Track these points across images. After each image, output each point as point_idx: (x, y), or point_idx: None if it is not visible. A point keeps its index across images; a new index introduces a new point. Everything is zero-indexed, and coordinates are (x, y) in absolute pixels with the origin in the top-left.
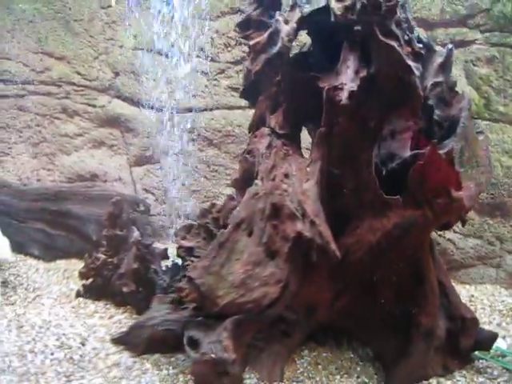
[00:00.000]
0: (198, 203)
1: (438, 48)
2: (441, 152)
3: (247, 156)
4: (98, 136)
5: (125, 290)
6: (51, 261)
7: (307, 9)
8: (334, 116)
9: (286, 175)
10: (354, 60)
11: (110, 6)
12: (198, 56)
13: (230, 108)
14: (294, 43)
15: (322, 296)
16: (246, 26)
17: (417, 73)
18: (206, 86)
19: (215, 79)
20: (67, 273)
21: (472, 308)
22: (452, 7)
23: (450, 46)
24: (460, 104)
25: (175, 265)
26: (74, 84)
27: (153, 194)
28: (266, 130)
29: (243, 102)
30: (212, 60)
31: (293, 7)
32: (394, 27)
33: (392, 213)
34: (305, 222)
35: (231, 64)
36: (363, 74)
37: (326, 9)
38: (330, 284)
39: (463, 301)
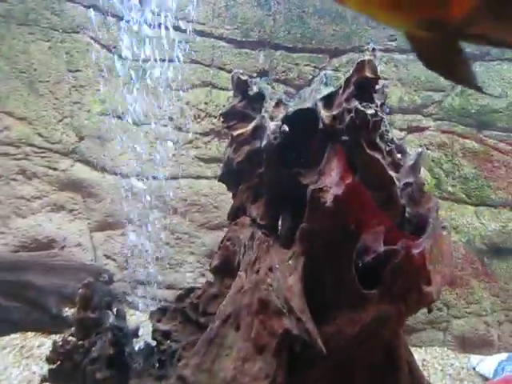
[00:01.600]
0: (161, 270)
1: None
2: (414, 251)
3: (228, 244)
4: (57, 199)
5: (98, 375)
6: (5, 335)
7: (291, 107)
8: (317, 215)
9: (270, 269)
10: (339, 164)
11: (78, 71)
12: (166, 125)
13: (197, 178)
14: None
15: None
16: (230, 117)
17: (397, 183)
18: (173, 155)
19: (183, 149)
20: (25, 351)
21: (425, 373)
22: (409, 97)
23: (419, 149)
24: (428, 204)
25: (148, 346)
26: (34, 145)
27: (114, 260)
28: (247, 220)
29: (209, 172)
30: (181, 130)
31: (277, 104)
32: (378, 140)
33: (370, 306)
34: (291, 319)
35: (200, 135)
36: (349, 180)
37: (311, 111)
38: (311, 372)
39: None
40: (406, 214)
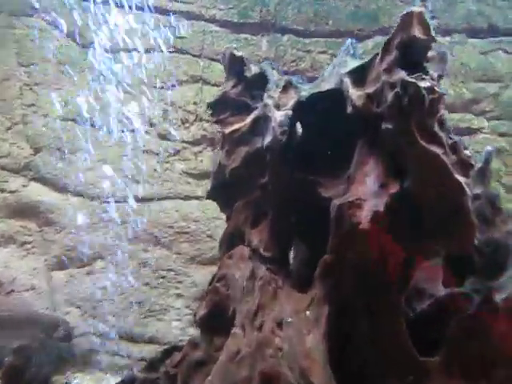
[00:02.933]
0: (139, 319)
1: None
2: (498, 298)
3: (218, 285)
4: (5, 230)
5: None
6: None
7: (305, 91)
8: (347, 241)
9: (279, 323)
10: (377, 166)
11: (32, 64)
12: (146, 132)
13: (185, 198)
14: None
15: None
16: (221, 107)
17: (468, 191)
18: (155, 170)
19: (167, 162)
20: None
21: None
22: (455, 90)
23: (489, 148)
24: (507, 225)
25: None
26: None
27: (78, 307)
28: (245, 251)
29: (200, 191)
30: (164, 138)
31: (286, 88)
32: (436, 128)
33: (430, 382)
34: None
35: (188, 144)
36: (395, 188)
37: (333, 94)
38: None
39: None
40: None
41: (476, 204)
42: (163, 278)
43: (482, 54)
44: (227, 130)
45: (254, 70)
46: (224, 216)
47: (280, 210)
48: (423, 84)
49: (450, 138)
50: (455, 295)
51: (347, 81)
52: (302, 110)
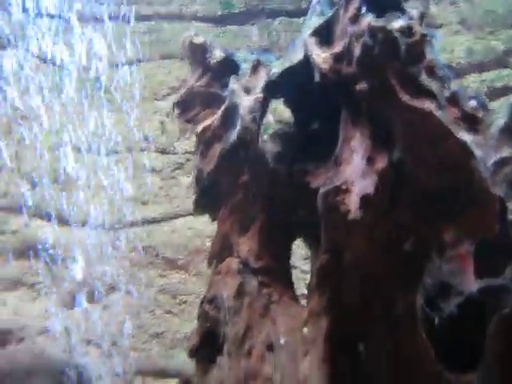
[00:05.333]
0: (163, 351)
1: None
2: None
3: (207, 308)
4: (11, 274)
5: None
6: None
7: (277, 68)
8: (341, 237)
9: (270, 346)
10: (363, 139)
11: None
12: (142, 150)
13: None
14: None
15: None
16: (190, 104)
17: (478, 153)
18: (160, 188)
19: (172, 177)
20: None
21: None
22: (483, 43)
23: None
24: None
25: None
26: None
27: (97, 345)
28: (234, 264)
29: None
30: (164, 152)
31: (256, 68)
32: (424, 77)
33: None
34: None
35: (191, 155)
36: (382, 163)
37: (304, 64)
38: None
39: None
40: (511, 216)
41: (505, 170)
42: (184, 303)
43: None
44: (198, 129)
45: (218, 54)
46: None
47: (269, 212)
48: (395, 25)
49: (448, 89)
50: (492, 289)
51: (311, 43)
52: (274, 90)
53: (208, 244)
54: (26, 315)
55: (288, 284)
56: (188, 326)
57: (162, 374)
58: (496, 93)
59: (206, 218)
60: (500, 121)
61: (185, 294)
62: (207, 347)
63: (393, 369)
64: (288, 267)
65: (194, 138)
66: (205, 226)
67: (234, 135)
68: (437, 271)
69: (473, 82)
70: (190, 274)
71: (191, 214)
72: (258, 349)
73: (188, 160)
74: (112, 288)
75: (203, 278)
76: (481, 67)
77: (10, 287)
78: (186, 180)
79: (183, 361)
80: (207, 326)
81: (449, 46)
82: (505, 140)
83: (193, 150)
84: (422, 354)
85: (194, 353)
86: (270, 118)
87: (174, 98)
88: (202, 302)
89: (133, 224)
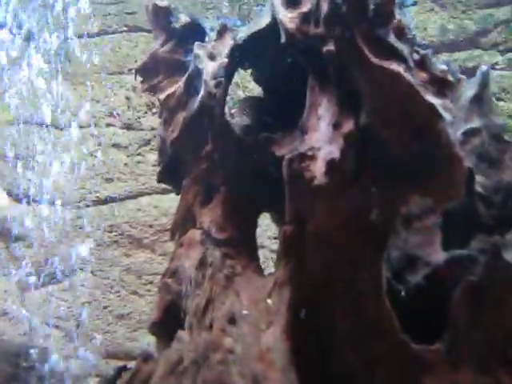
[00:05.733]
0: (129, 333)
1: None
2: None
3: (169, 281)
4: None
5: None
6: None
7: (243, 33)
8: (305, 205)
9: (232, 318)
10: (330, 105)
11: None
12: (109, 124)
13: (164, 192)
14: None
15: None
16: (153, 71)
17: (446, 116)
18: (125, 165)
19: (138, 154)
20: None
21: None
22: (456, 23)
23: (483, 67)
24: None
25: None
26: None
27: (58, 327)
28: (197, 235)
29: None
30: (130, 128)
31: (221, 33)
32: (392, 39)
33: (430, 378)
34: None
35: None
36: (348, 127)
37: (272, 27)
38: None
39: None
40: (478, 188)
41: (475, 141)
42: (151, 283)
43: None
44: (161, 97)
45: (183, 19)
46: None
47: (233, 182)
48: None
49: (417, 52)
50: (457, 260)
51: (278, 3)
52: (240, 56)
53: None
54: None
55: (253, 257)
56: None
57: (127, 356)
58: (467, 73)
59: (172, 196)
60: (470, 90)
61: (151, 273)
62: (169, 322)
63: (356, 340)
64: (253, 240)
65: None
66: (171, 204)
67: (197, 101)
68: (403, 244)
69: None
70: (156, 254)
71: (157, 193)
72: (220, 321)
73: (155, 136)
74: (75, 268)
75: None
76: (453, 46)
77: None
78: (153, 157)
79: (148, 343)
80: (169, 300)
81: (422, 24)
82: (475, 110)
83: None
84: (386, 325)
85: (155, 328)
86: (239, 93)
87: (137, 64)
88: (163, 275)
89: (97, 202)
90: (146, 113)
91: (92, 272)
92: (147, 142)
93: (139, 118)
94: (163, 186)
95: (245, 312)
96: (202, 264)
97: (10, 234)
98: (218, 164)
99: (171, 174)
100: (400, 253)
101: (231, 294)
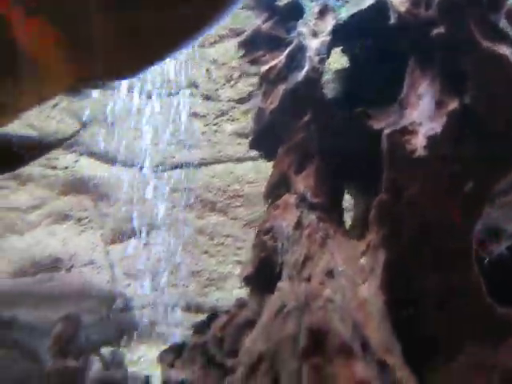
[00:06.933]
0: (199, 289)
1: None
2: None
3: (264, 238)
4: (60, 207)
5: None
6: None
7: (345, 13)
8: (403, 176)
9: (330, 273)
10: (432, 84)
11: None
12: (190, 94)
13: (238, 160)
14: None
15: None
16: (253, 46)
17: None
18: (203, 133)
19: (215, 124)
20: None
21: None
22: None
23: None
24: None
25: None
26: None
27: (137, 279)
28: (292, 199)
29: (255, 152)
30: (209, 98)
31: (322, 12)
32: (504, 24)
33: None
34: (369, 362)
35: (235, 103)
36: (453, 106)
37: (376, 9)
38: None
39: None
40: None
41: None
42: (221, 244)
43: None
44: (262, 69)
45: None
46: None
47: (327, 152)
48: None
49: None
50: None
51: None
52: (341, 34)
53: (247, 190)
54: (73, 247)
55: (341, 222)
56: (223, 266)
57: (198, 310)
58: None
59: (245, 165)
60: None
61: (222, 235)
62: (261, 275)
63: (445, 302)
64: (341, 207)
65: (238, 86)
66: (245, 173)
67: (301, 75)
68: (487, 217)
69: None
70: (228, 218)
71: (232, 161)
72: (318, 275)
73: (232, 108)
74: (152, 227)
75: (240, 222)
76: None
77: (59, 220)
78: (229, 127)
79: (217, 299)
80: (263, 255)
81: None
82: None
83: (236, 98)
84: (474, 287)
85: (249, 281)
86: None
87: (239, 38)
88: (257, 234)
89: (175, 166)
90: (224, 85)
91: (167, 231)
92: (224, 113)
93: (218, 89)
94: (238, 154)
95: (341, 268)
96: (299, 224)
97: (97, 192)
98: (314, 134)
99: (264, 142)
100: (484, 226)
101: (327, 253)
